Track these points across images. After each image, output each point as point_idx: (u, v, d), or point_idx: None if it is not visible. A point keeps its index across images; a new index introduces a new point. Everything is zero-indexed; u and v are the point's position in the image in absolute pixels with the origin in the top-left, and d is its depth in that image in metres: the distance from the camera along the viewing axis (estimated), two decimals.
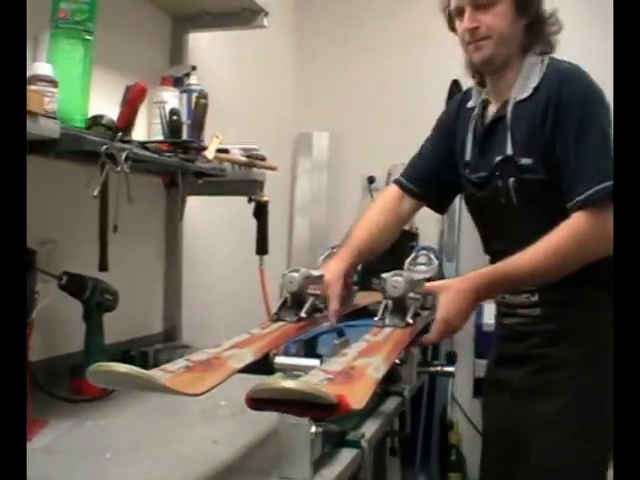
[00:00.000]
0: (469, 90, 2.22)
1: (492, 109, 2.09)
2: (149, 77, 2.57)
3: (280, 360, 1.54)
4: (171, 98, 2.56)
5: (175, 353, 2.62)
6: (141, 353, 2.51)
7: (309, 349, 1.94)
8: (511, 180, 1.98)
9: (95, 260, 1.97)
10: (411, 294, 1.81)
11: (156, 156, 1.83)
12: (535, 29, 2.03)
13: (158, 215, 2.80)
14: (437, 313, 1.81)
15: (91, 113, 1.90)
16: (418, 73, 4.09)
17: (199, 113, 2.21)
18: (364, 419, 1.86)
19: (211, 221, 2.97)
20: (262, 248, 2.83)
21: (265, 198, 2.79)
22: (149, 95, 2.51)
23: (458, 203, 3.91)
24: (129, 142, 1.79)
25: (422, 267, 2.15)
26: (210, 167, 2.18)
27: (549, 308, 1.99)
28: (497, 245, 2.08)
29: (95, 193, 1.69)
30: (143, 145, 1.91)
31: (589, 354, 1.96)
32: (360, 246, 2.19)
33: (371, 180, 4.19)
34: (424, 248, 2.24)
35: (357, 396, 1.25)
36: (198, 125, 2.20)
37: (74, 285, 2.06)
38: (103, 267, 1.95)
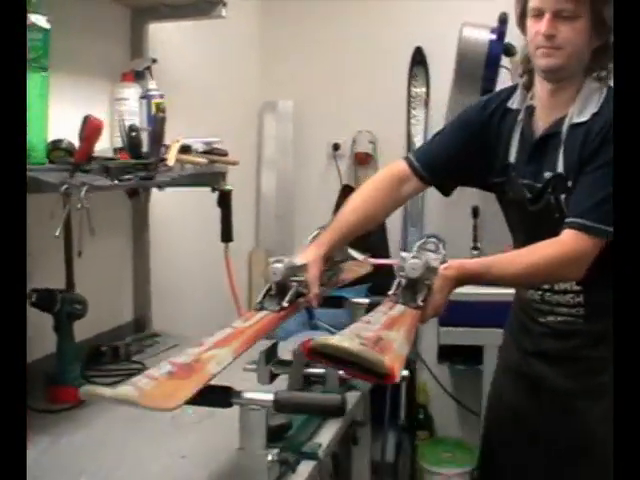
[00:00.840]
0: (511, 90, 2.28)
1: (542, 120, 2.15)
2: (110, 73, 2.66)
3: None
4: (132, 94, 2.62)
5: (145, 343, 2.74)
6: (112, 348, 2.60)
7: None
8: (563, 197, 2.07)
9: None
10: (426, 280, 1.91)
11: (117, 182, 1.89)
12: (602, 54, 2.07)
13: (124, 211, 2.87)
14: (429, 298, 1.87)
15: (52, 120, 1.96)
16: (381, 41, 4.12)
17: (158, 125, 2.28)
18: (322, 425, 1.96)
19: (177, 210, 3.04)
20: (227, 236, 2.91)
21: (228, 187, 2.85)
22: (110, 91, 2.59)
23: None
24: (89, 171, 1.85)
25: (431, 254, 2.18)
26: (170, 178, 2.25)
27: (594, 309, 2.10)
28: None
29: (57, 233, 1.77)
30: (104, 166, 1.97)
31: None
32: (342, 228, 2.25)
33: (336, 147, 4.26)
34: (434, 236, 2.24)
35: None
36: (158, 137, 2.26)
37: (44, 301, 2.14)
38: (70, 287, 2.05)
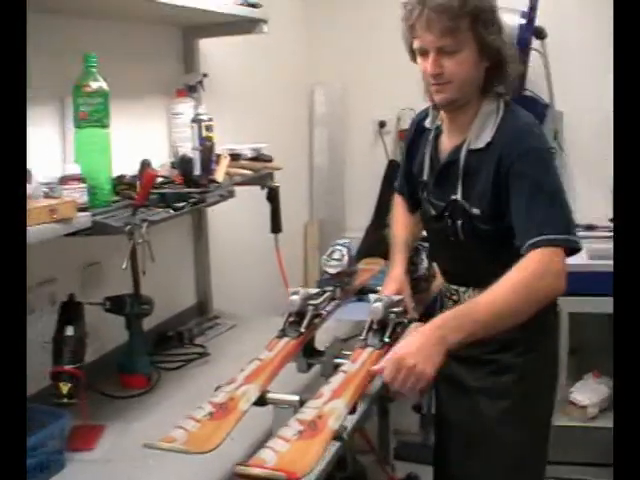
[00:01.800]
0: (428, 109, 2.43)
1: (446, 142, 2.31)
2: (166, 90, 2.99)
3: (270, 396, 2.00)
4: (186, 109, 2.95)
5: (206, 326, 3.12)
6: (177, 333, 2.99)
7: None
8: (459, 222, 2.24)
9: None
10: (392, 314, 2.25)
11: (172, 213, 2.26)
12: (495, 71, 2.17)
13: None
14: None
15: (116, 140, 2.32)
16: None
17: (206, 152, 2.63)
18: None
19: (232, 204, 3.38)
20: (276, 228, 3.26)
21: (275, 184, 3.20)
22: (166, 107, 2.94)
23: None
24: (147, 206, 2.23)
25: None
26: (219, 195, 2.60)
27: None
28: (450, 267, 2.46)
29: (124, 266, 2.16)
30: (161, 195, 2.34)
31: (532, 361, 2.32)
32: (406, 241, 2.59)
33: (382, 124, 4.56)
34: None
35: (308, 458, 1.70)
36: (207, 160, 2.62)
37: (116, 306, 2.52)
38: (137, 294, 2.45)
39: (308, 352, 2.39)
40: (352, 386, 2.00)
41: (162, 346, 2.92)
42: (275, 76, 4.02)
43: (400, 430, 4.38)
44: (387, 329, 2.24)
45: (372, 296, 2.36)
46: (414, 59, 2.22)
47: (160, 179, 2.49)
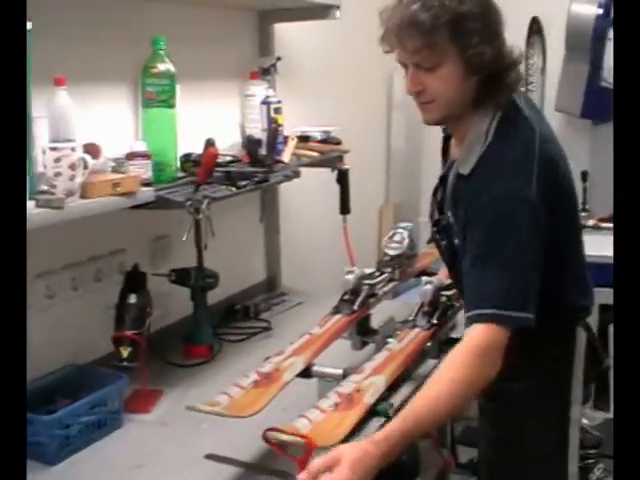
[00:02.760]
0: None
1: (453, 151, 2.09)
2: (241, 72, 3.09)
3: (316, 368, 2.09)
4: (259, 91, 3.04)
5: (273, 302, 3.22)
6: (244, 307, 3.10)
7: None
8: (456, 241, 2.01)
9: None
10: (442, 297, 2.31)
11: (233, 190, 2.36)
12: (489, 83, 1.89)
13: None
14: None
15: (189, 122, 2.47)
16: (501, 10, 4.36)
17: (273, 133, 2.73)
18: (400, 385, 2.38)
19: (303, 184, 3.44)
20: (345, 209, 3.34)
21: (345, 167, 3.28)
22: (240, 89, 3.04)
23: None
24: (211, 183, 2.34)
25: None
26: (284, 175, 2.70)
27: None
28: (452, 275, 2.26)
29: (184, 238, 2.28)
30: (226, 173, 2.44)
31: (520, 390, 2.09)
32: None
33: None
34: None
35: (338, 430, 1.81)
36: (272, 142, 2.72)
37: (181, 278, 2.64)
38: (200, 267, 2.58)
39: (363, 330, 2.47)
40: (394, 364, 2.08)
41: (228, 319, 3.04)
42: (352, 61, 4.08)
43: (466, 415, 4.42)
44: (437, 311, 2.30)
45: (424, 279, 2.42)
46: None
47: (228, 158, 2.60)
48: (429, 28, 1.77)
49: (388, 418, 2.13)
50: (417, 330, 2.29)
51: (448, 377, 1.73)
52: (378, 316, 2.55)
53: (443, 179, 2.06)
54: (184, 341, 2.71)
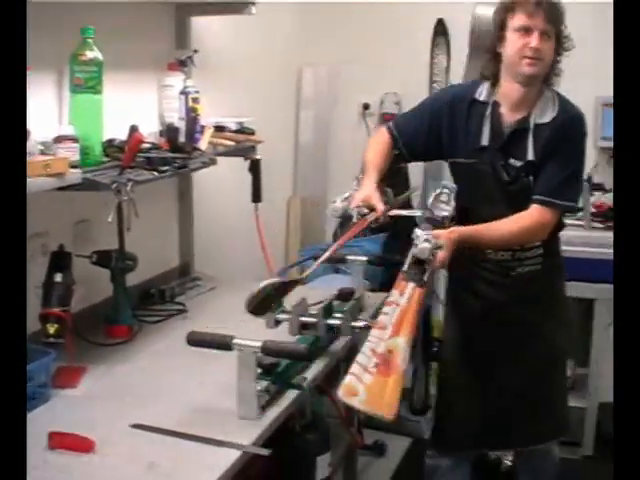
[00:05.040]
0: (474, 84, 2.83)
1: (508, 115, 2.73)
2: (159, 63, 3.17)
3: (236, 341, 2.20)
4: (177, 82, 3.12)
5: (187, 286, 3.32)
6: (159, 291, 3.20)
7: None
8: (531, 178, 2.70)
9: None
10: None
11: (155, 174, 2.47)
12: (557, 63, 2.70)
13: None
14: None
15: (110, 110, 2.55)
16: (407, 11, 4.59)
17: (191, 122, 2.85)
18: (313, 362, 2.53)
19: (217, 173, 3.44)
20: (256, 197, 3.46)
21: (257, 157, 3.40)
22: (158, 79, 3.13)
23: None
24: (134, 167, 2.43)
25: (443, 205, 2.62)
26: (202, 162, 2.81)
27: (547, 259, 2.87)
28: (485, 212, 2.73)
29: (110, 219, 2.37)
30: (148, 158, 2.54)
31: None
32: (377, 168, 2.85)
33: (366, 107, 4.76)
34: (446, 187, 2.68)
35: (388, 399, 2.16)
36: (191, 131, 2.84)
37: (102, 260, 2.74)
38: (122, 249, 2.69)
39: (277, 309, 2.59)
40: (407, 325, 2.30)
41: (145, 302, 3.14)
42: (265, 55, 4.19)
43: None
44: (427, 271, 2.44)
45: (419, 233, 2.46)
46: (499, 36, 2.69)
47: (147, 145, 2.69)
48: (560, 12, 2.63)
49: (302, 390, 2.29)
50: (412, 285, 2.40)
51: (514, 223, 2.65)
52: (292, 297, 2.66)
53: (514, 133, 2.72)
54: (105, 321, 2.80)
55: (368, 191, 2.69)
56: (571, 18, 2.70)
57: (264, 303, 2.38)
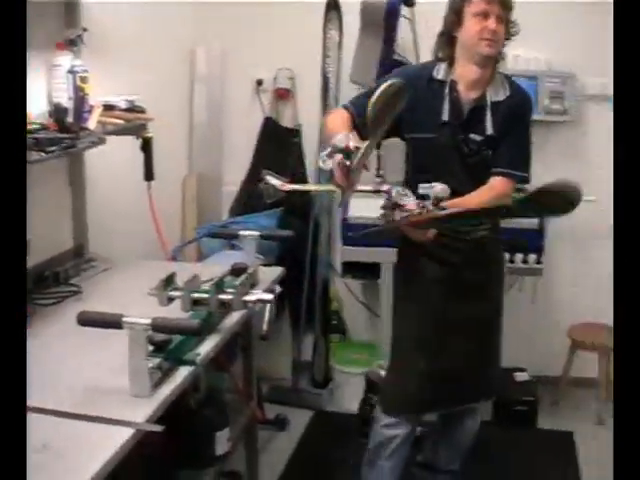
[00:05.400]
0: (431, 64, 3.01)
1: (466, 93, 2.93)
2: (48, 42, 3.11)
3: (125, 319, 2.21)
4: (65, 61, 3.07)
5: (82, 268, 3.30)
6: (54, 273, 3.17)
7: None
8: (490, 152, 2.91)
9: None
10: None
11: (43, 155, 2.45)
12: (502, 50, 2.95)
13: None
14: None
15: None
16: None
17: (79, 102, 2.82)
18: (205, 338, 2.54)
19: (110, 152, 3.37)
20: (149, 175, 3.46)
21: (149, 135, 3.39)
22: (48, 59, 3.08)
23: (335, 99, 4.52)
24: None
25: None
26: (91, 142, 2.79)
27: (495, 225, 3.12)
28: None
29: None
30: (35, 139, 2.52)
31: None
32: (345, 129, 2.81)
33: (259, 83, 4.76)
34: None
35: None
36: (79, 110, 2.81)
37: None
38: None
39: (168, 286, 2.59)
40: None
41: (39, 285, 3.09)
42: (158, 35, 4.16)
43: (272, 376, 4.65)
44: None
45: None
46: (456, 21, 2.89)
47: (36, 126, 2.66)
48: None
49: (195, 365, 2.31)
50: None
51: (484, 195, 2.85)
52: (183, 274, 2.67)
53: (473, 110, 2.93)
54: None
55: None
56: None
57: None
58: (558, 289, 4.74)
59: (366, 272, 4.36)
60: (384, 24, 4.26)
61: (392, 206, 2.70)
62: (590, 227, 4.51)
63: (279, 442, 4.13)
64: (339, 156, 2.54)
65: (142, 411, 2.08)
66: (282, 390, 4.60)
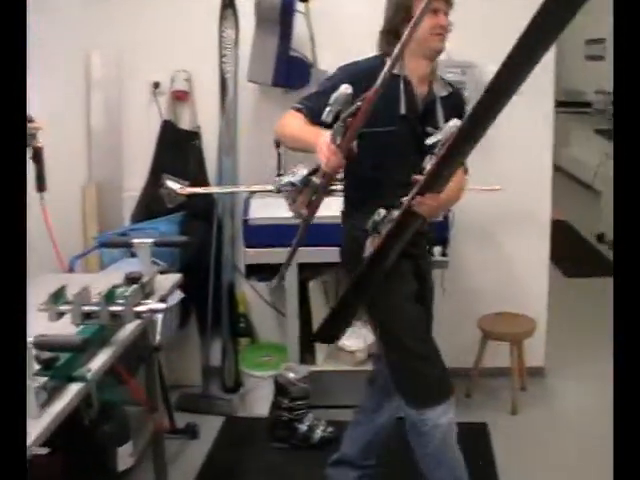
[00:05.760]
0: (381, 58, 2.94)
1: (418, 86, 2.99)
2: None
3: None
4: None
5: None
6: None
7: None
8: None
9: None
10: None
11: None
12: None
13: None
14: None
15: None
16: None
17: None
18: (98, 352, 2.47)
19: None
20: (41, 187, 3.34)
21: (39, 144, 3.28)
22: None
23: (234, 100, 4.46)
24: None
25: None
26: None
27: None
28: (398, 175, 2.89)
29: None
30: None
31: None
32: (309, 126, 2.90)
33: (156, 85, 4.65)
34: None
35: None
36: None
37: None
38: None
39: (57, 301, 2.51)
40: None
41: None
42: (49, 40, 4.04)
43: (182, 383, 4.58)
44: None
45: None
46: (406, 18, 2.82)
47: None
48: None
49: (85, 381, 2.24)
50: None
51: (457, 186, 2.96)
52: (74, 287, 2.58)
53: (426, 104, 3.00)
54: None
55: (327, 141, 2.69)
56: None
57: None
58: (467, 280, 4.76)
59: (271, 274, 4.28)
60: (279, 20, 4.22)
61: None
62: (496, 217, 4.55)
63: (190, 451, 4.05)
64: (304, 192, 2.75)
65: (29, 434, 1.98)
66: (193, 397, 4.53)
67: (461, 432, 3.06)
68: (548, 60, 4.33)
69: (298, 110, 2.95)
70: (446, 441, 3.01)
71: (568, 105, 8.40)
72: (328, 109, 2.63)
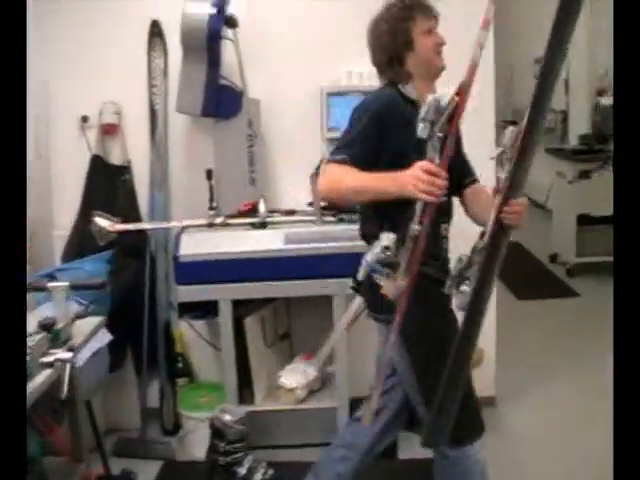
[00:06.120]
0: (391, 90, 2.91)
1: None
2: None
3: None
4: None
5: None
6: None
7: None
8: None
9: None
10: None
11: None
12: None
13: None
14: None
15: None
16: (122, 14, 4.42)
17: None
18: None
19: None
20: None
21: None
22: None
23: (164, 132, 4.32)
24: None
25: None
26: None
27: None
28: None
29: None
30: None
31: None
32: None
33: (84, 119, 4.49)
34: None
35: None
36: None
37: None
38: None
39: None
40: None
41: None
42: None
43: (120, 427, 4.40)
44: None
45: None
46: (406, 42, 2.87)
47: None
48: None
49: None
50: None
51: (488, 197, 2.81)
52: None
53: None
54: None
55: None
56: None
57: None
58: None
59: (205, 311, 4.15)
60: (206, 47, 4.09)
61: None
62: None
63: None
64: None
65: None
66: (130, 442, 4.34)
67: (410, 468, 2.95)
68: (489, 79, 4.27)
69: (342, 162, 2.73)
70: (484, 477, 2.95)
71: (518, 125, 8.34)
72: (422, 125, 2.45)
